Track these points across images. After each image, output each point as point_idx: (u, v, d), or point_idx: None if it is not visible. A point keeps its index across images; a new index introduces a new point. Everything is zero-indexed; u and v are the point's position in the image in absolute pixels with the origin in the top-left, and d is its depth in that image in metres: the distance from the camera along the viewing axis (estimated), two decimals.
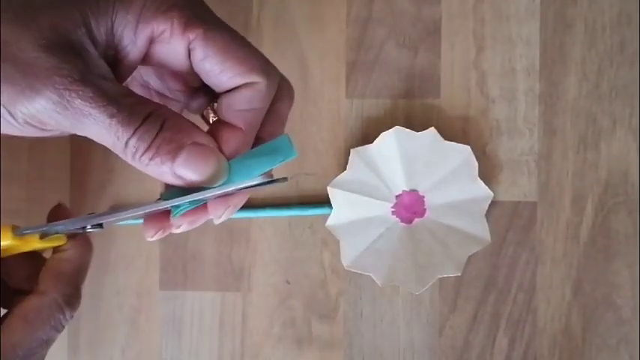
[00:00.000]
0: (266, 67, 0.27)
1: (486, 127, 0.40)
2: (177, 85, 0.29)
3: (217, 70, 0.26)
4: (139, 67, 0.27)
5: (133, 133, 0.24)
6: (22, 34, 0.23)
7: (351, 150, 0.39)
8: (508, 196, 0.40)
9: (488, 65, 0.40)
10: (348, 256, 0.40)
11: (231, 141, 0.26)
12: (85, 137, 0.24)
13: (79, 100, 0.23)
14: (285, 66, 0.41)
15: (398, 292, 0.41)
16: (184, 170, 0.25)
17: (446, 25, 0.40)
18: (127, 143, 0.24)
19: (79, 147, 0.42)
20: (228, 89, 0.26)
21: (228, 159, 0.26)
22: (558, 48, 0.40)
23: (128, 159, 0.25)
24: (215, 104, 0.30)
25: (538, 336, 0.40)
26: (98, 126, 0.23)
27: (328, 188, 0.39)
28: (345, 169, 0.39)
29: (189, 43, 0.25)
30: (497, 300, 0.40)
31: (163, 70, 0.28)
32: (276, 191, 0.41)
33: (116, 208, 0.27)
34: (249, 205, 0.32)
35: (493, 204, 0.40)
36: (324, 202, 0.40)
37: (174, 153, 0.24)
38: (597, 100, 0.40)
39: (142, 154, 0.24)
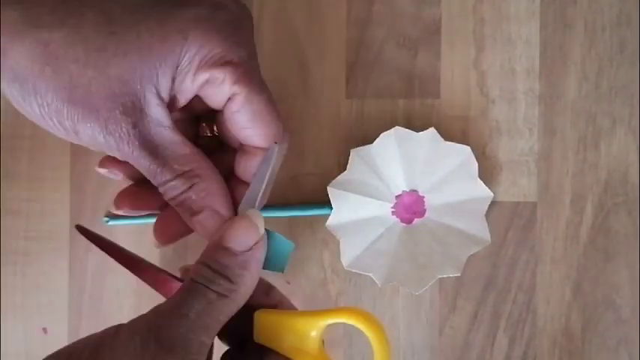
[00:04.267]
0: (282, 135, 0.31)
1: (486, 127, 0.40)
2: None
3: (245, 125, 0.29)
4: None
5: (162, 184, 0.28)
6: (93, 79, 0.26)
7: (351, 150, 0.39)
8: (508, 196, 0.40)
9: (488, 65, 0.40)
10: (348, 256, 0.40)
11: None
12: None
13: (127, 147, 0.27)
14: (285, 66, 0.41)
15: (398, 292, 0.41)
16: (197, 226, 0.29)
17: (446, 25, 0.40)
18: (157, 185, 0.29)
19: (79, 147, 0.42)
20: (244, 144, 0.30)
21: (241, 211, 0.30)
22: (558, 48, 0.40)
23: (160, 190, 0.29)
24: (206, 124, 0.34)
25: (538, 336, 0.40)
26: (138, 166, 0.28)
27: (328, 188, 0.39)
28: (345, 169, 0.39)
29: (233, 95, 0.28)
30: (497, 300, 0.40)
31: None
32: (276, 191, 0.41)
33: None
34: None
35: (493, 204, 0.40)
36: (324, 202, 0.40)
37: (191, 212, 0.29)
38: (597, 100, 0.40)
39: (167, 199, 0.29)
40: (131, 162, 0.28)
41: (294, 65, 0.41)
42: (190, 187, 0.28)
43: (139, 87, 0.26)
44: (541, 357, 0.40)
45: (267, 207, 0.41)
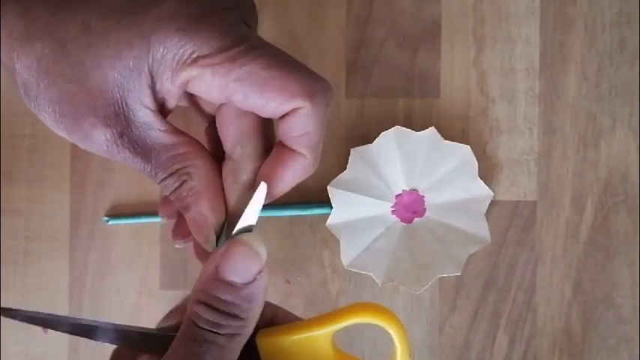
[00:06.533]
0: (310, 89, 0.27)
1: (486, 126, 0.40)
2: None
3: (261, 104, 0.27)
4: None
5: (159, 182, 0.28)
6: (76, 94, 0.27)
7: (351, 150, 0.39)
8: (508, 195, 0.40)
9: (488, 65, 0.40)
10: (348, 255, 0.40)
11: (294, 169, 0.29)
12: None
13: (119, 154, 0.27)
14: None
15: (398, 291, 0.41)
16: (188, 223, 0.29)
17: (446, 24, 0.40)
18: (157, 183, 0.29)
19: (79, 147, 0.42)
20: (281, 115, 0.27)
21: (289, 187, 0.29)
22: (558, 47, 0.40)
23: None
24: None
25: (538, 335, 0.40)
26: (135, 168, 0.28)
27: (328, 188, 0.39)
28: (345, 169, 0.39)
29: (226, 86, 0.27)
30: (497, 299, 0.40)
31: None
32: None
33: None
34: None
35: (493, 203, 0.40)
36: (324, 202, 0.40)
37: (184, 209, 0.29)
38: (597, 100, 0.40)
39: (168, 196, 0.29)
40: (128, 165, 0.28)
41: None
42: (180, 185, 0.28)
43: (118, 96, 0.26)
44: (541, 356, 0.40)
45: (267, 207, 0.41)
